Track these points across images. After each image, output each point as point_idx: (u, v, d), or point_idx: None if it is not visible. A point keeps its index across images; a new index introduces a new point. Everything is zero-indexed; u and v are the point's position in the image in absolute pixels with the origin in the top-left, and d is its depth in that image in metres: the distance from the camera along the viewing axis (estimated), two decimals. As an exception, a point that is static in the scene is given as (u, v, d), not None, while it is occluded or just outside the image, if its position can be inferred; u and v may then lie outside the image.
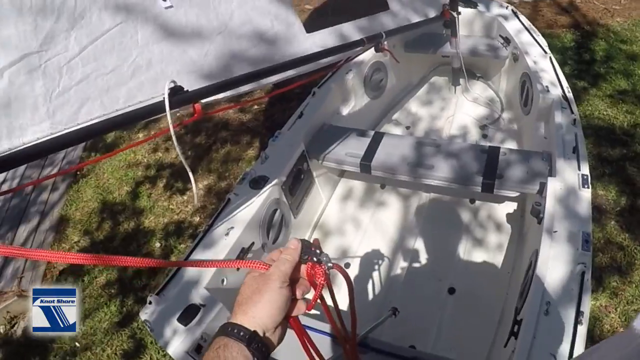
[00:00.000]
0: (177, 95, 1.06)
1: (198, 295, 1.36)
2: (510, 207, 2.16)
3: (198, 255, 1.50)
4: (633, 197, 2.57)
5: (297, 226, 2.07)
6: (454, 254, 2.02)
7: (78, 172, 3.62)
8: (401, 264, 2.03)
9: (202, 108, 1.11)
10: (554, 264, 1.26)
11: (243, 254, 1.59)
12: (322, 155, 2.08)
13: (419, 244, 2.10)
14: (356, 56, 2.48)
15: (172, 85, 1.05)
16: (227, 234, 1.55)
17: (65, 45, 0.92)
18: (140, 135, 3.87)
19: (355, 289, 0.80)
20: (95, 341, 2.36)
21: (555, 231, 1.36)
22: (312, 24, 1.71)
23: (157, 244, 2.83)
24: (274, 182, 1.79)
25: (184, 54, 1.17)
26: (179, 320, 1.29)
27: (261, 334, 0.61)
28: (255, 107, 3.98)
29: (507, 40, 2.63)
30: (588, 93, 3.42)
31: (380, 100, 2.75)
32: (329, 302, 0.77)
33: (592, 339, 1.91)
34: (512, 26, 2.61)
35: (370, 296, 1.92)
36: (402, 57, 2.63)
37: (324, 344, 1.29)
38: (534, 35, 2.49)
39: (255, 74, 1.37)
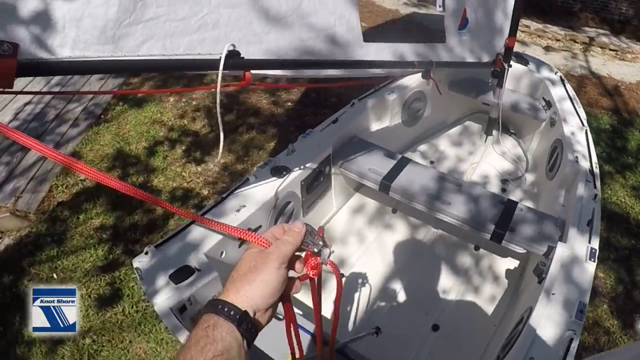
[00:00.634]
0: (233, 58, 1.10)
1: (196, 259, 1.36)
2: (512, 263, 2.16)
3: None
4: (630, 288, 2.56)
5: None
6: (447, 294, 2.03)
7: (102, 116, 3.68)
8: (393, 288, 2.03)
9: (251, 77, 1.15)
10: (546, 324, 1.26)
11: None
12: (345, 164, 2.11)
13: (415, 275, 2.10)
14: (402, 77, 2.52)
15: (232, 48, 1.09)
16: (238, 210, 1.56)
17: (146, -18, 0.96)
18: (172, 99, 3.93)
19: (342, 296, 0.79)
20: (73, 278, 2.36)
21: (554, 294, 1.36)
22: (372, 35, 1.75)
23: (159, 205, 2.84)
24: (294, 175, 1.81)
25: (249, 25, 1.21)
26: (171, 277, 1.28)
27: (252, 315, 0.59)
28: (289, 104, 4.03)
29: (549, 104, 2.65)
30: (611, 177, 3.42)
31: (413, 128, 2.77)
32: (308, 302, 0.76)
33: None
34: (557, 92, 2.63)
35: (356, 310, 1.92)
36: (444, 94, 2.65)
37: (303, 341, 1.28)
38: (576, 106, 2.51)
39: (307, 62, 1.42)
